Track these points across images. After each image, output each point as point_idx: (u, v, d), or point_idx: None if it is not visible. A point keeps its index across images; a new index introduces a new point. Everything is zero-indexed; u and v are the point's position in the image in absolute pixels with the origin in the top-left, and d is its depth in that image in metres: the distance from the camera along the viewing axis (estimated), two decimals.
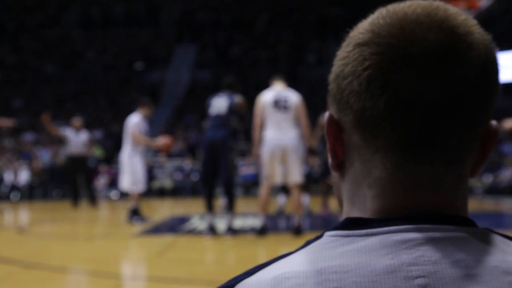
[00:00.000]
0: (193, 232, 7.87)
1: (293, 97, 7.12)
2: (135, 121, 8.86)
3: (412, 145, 0.57)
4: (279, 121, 6.92)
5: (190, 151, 17.64)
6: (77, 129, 11.62)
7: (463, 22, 0.58)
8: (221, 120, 7.32)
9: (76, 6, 30.03)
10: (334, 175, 0.66)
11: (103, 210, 13.13)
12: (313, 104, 21.56)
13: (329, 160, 0.64)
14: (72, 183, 12.33)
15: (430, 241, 0.54)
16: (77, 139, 11.66)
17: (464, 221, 0.58)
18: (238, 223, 8.75)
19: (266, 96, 7.07)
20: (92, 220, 10.86)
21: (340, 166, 0.64)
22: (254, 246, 6.42)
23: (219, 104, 7.53)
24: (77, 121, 11.75)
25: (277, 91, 7.15)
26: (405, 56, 0.56)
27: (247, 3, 29.70)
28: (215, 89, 23.72)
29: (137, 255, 6.46)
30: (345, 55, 0.62)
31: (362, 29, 0.62)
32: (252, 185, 15.96)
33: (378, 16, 0.61)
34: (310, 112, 21.96)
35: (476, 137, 0.59)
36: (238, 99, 7.58)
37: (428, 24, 0.57)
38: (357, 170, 0.61)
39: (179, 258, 5.66)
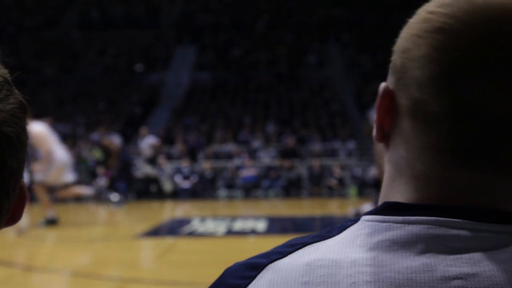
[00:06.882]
0: (193, 234, 7.86)
1: None
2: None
3: (466, 152, 0.53)
4: None
5: (190, 153, 17.63)
6: (142, 136, 15.32)
7: None
8: None
9: (76, 8, 30.03)
10: (379, 145, 0.62)
11: (102, 212, 13.11)
12: (314, 106, 21.56)
13: (373, 131, 0.60)
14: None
15: (470, 240, 0.50)
16: (141, 144, 15.33)
17: (509, 218, 0.52)
18: (238, 225, 8.75)
19: None
20: (91, 222, 10.85)
21: (386, 139, 0.60)
22: (254, 249, 6.41)
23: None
24: (143, 130, 15.68)
25: None
26: (483, 62, 0.50)
27: (247, 5, 29.71)
28: (215, 91, 23.78)
29: (137, 258, 6.45)
30: (416, 33, 0.55)
31: (444, 5, 0.54)
32: (252, 187, 15.95)
33: None
34: (310, 115, 21.84)
35: None
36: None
37: (504, 10, 0.49)
38: (400, 156, 0.57)
39: (179, 261, 5.65)
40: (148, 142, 15.44)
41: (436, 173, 0.54)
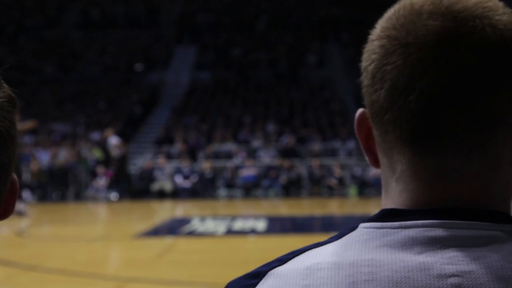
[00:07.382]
0: (193, 234, 7.86)
1: None
2: None
3: (417, 137, 0.55)
4: None
5: (190, 153, 17.63)
6: (104, 138, 15.75)
7: (473, 6, 0.55)
8: None
9: (76, 7, 30.03)
10: (377, 170, 0.64)
11: (102, 211, 13.13)
12: (314, 106, 21.56)
13: (366, 157, 0.63)
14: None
15: (465, 240, 0.53)
16: (107, 145, 15.94)
17: (500, 217, 0.54)
18: (238, 224, 8.75)
19: None
20: (91, 221, 10.85)
21: (377, 161, 0.62)
22: (253, 249, 6.41)
23: None
24: (106, 131, 16.14)
25: None
26: (401, 46, 0.55)
27: (247, 4, 29.72)
28: (215, 91, 23.80)
29: (137, 257, 6.45)
30: (365, 49, 0.61)
31: (380, 21, 0.60)
32: (252, 187, 15.96)
33: (393, 9, 0.60)
34: (310, 114, 21.85)
35: (498, 124, 0.54)
36: None
37: (430, 12, 0.55)
38: (385, 165, 0.60)
39: (179, 260, 5.65)
40: (111, 144, 15.94)
41: (408, 169, 0.57)
